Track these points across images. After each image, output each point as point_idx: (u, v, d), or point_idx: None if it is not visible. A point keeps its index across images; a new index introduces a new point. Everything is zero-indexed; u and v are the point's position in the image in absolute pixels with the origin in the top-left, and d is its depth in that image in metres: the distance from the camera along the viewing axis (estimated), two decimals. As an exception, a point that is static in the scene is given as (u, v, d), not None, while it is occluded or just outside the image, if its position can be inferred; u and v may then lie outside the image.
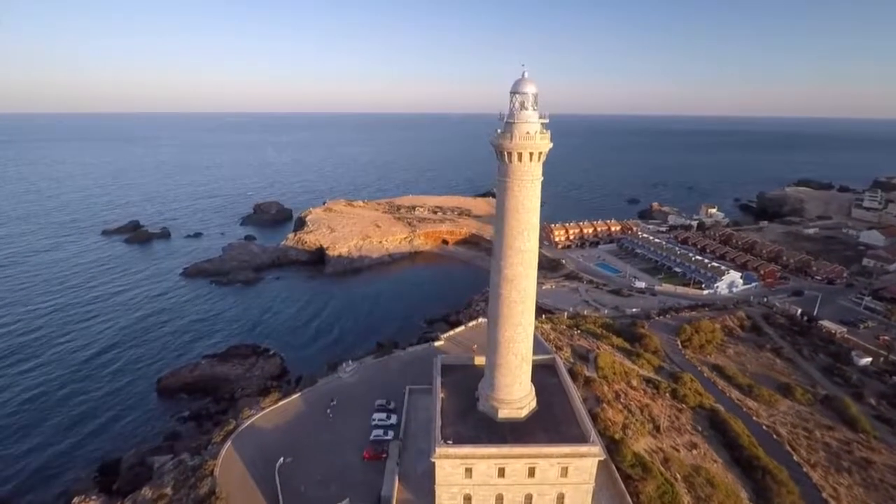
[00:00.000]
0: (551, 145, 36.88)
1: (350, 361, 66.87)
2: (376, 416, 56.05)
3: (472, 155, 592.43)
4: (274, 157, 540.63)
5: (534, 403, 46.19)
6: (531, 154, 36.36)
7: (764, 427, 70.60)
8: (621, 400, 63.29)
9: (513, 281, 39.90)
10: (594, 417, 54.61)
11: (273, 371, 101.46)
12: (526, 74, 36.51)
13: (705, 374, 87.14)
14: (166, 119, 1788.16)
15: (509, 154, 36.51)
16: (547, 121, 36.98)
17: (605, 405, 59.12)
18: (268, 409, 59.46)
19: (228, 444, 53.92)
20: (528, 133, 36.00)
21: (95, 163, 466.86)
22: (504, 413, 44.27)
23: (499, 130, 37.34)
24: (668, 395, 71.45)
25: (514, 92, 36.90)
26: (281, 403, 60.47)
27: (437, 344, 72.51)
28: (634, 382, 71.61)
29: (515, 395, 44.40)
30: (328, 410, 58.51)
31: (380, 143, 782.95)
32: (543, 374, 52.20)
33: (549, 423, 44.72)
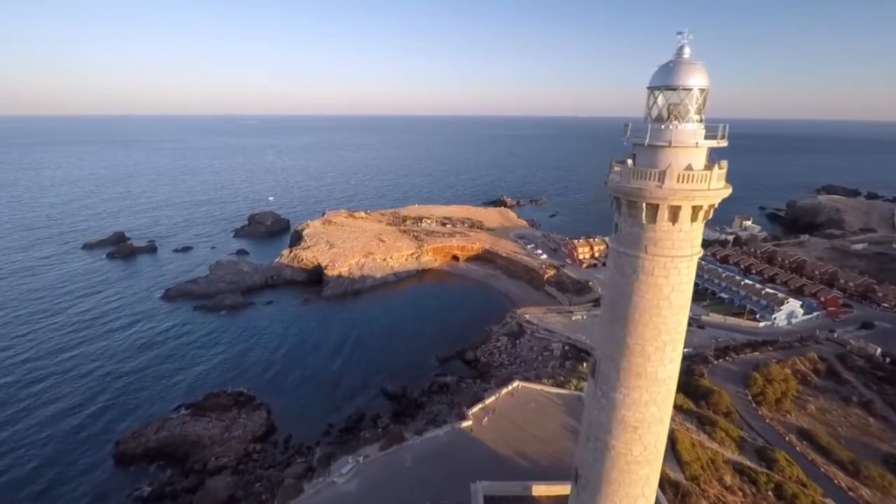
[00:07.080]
0: (730, 190, 19.21)
1: (351, 458, 49.13)
2: (385, 567, 38.48)
3: (473, 158, 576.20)
4: (275, 162, 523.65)
5: None
6: (695, 209, 18.68)
7: (898, 538, 53.07)
8: (725, 519, 45.58)
9: (637, 429, 22.08)
10: (704, 567, 37.03)
11: (257, 429, 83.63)
12: (687, 52, 18.53)
13: (797, 448, 69.26)
14: (171, 121, 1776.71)
15: (653, 209, 18.81)
16: (726, 143, 19.13)
17: (713, 540, 41.41)
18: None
19: None
20: (690, 168, 18.36)
21: (90, 167, 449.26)
22: None
23: (629, 162, 19.66)
24: (771, 493, 53.83)
25: (659, 87, 18.79)
26: (250, 530, 42.95)
27: (464, 425, 54.64)
28: (727, 478, 53.73)
29: None
30: None
31: (381, 147, 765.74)
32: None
33: None
